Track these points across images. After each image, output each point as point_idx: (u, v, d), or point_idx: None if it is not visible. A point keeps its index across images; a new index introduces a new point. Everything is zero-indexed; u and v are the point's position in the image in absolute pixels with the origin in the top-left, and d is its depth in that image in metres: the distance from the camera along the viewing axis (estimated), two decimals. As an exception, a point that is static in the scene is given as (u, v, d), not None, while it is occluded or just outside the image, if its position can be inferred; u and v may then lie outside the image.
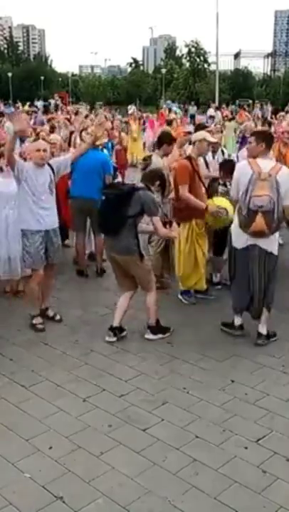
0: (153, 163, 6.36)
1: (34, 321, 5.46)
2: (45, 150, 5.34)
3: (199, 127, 8.75)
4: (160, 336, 5.23)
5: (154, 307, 5.21)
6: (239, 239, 5.10)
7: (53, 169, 5.42)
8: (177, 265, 6.13)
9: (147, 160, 6.77)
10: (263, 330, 5.16)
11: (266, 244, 5.00)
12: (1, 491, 3.24)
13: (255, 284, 5.09)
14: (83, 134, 8.06)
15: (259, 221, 4.81)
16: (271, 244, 5.04)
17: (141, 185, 5.22)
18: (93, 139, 5.84)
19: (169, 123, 15.43)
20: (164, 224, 5.42)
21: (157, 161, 6.37)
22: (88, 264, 7.28)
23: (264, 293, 5.10)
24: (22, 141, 8.74)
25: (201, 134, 6.26)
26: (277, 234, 5.09)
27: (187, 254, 5.98)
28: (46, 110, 27.91)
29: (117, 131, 13.27)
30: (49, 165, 5.42)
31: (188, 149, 6.78)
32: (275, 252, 5.07)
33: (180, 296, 6.18)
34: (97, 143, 6.88)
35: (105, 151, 8.67)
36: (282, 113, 21.34)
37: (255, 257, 5.03)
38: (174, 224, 5.52)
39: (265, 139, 5.12)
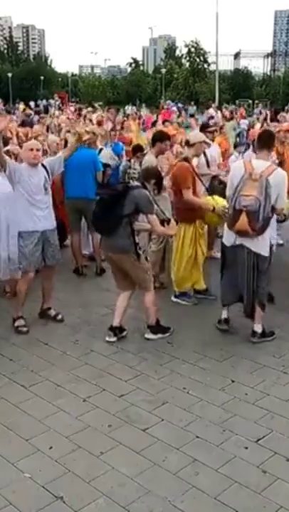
0: (144, 161, 6.37)
1: (16, 324, 5.42)
2: (38, 149, 5.31)
3: (203, 128, 8.68)
4: (160, 335, 5.22)
5: (152, 307, 5.21)
6: (228, 236, 5.12)
7: (46, 169, 5.41)
8: (174, 267, 6.08)
9: (140, 157, 6.81)
10: (257, 328, 5.14)
11: (253, 245, 4.94)
12: (1, 491, 3.24)
13: (244, 282, 5.06)
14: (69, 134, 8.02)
15: (242, 220, 4.80)
16: (259, 245, 4.95)
17: (136, 183, 5.23)
18: (77, 137, 5.76)
19: (153, 124, 15.42)
20: (162, 222, 5.40)
21: (150, 160, 6.36)
22: (87, 264, 7.28)
23: (254, 291, 5.06)
24: (5, 143, 8.74)
25: (201, 136, 6.31)
26: (268, 236, 4.99)
27: (190, 256, 5.96)
28: (46, 111, 27.97)
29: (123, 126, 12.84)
30: (43, 165, 5.40)
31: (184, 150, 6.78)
32: (265, 254, 4.98)
33: (174, 299, 6.11)
34: (81, 139, 6.86)
35: (108, 151, 8.62)
36: (283, 113, 21.32)
37: (242, 257, 5.00)
38: (172, 221, 5.47)
39: (260, 140, 5.16)
